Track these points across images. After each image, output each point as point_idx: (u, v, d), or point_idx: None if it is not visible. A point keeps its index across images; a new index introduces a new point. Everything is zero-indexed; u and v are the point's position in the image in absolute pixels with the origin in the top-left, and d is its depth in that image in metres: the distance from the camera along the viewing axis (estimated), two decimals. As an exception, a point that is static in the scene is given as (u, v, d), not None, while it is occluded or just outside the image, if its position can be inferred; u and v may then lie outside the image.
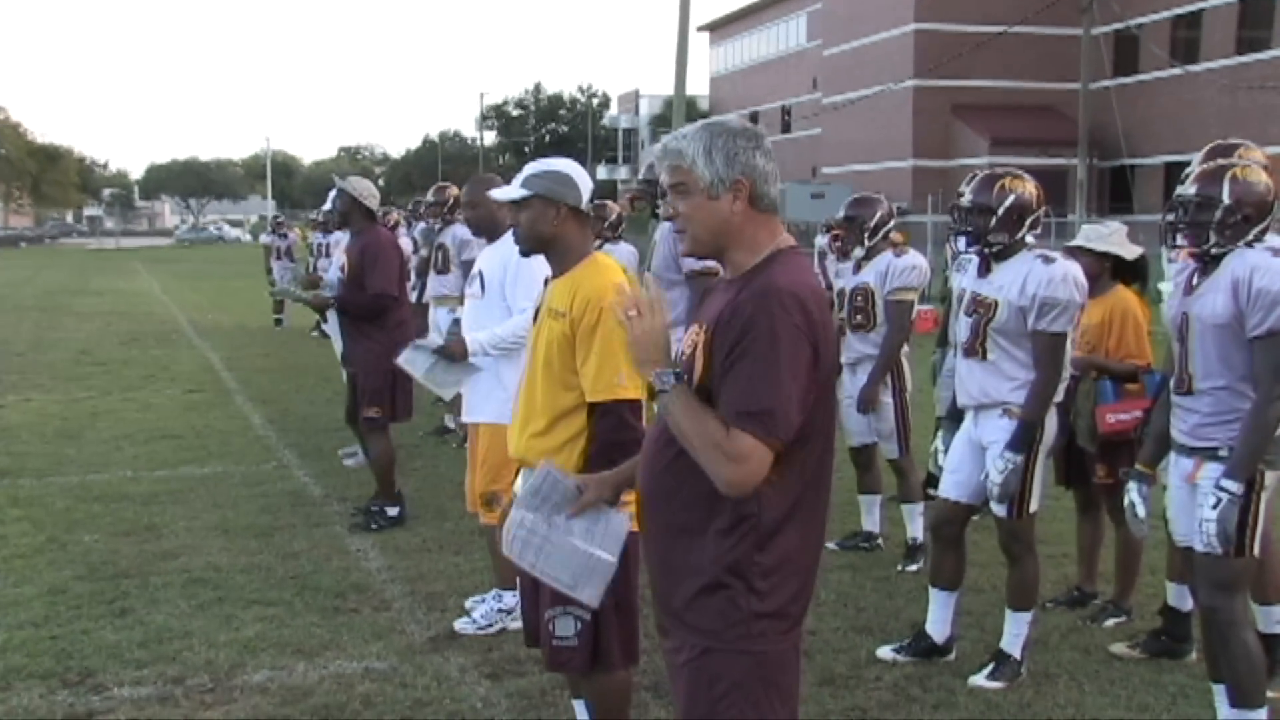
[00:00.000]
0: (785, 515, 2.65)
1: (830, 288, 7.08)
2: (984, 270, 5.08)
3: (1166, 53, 40.53)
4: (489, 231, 5.73)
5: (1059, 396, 5.00)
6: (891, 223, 6.87)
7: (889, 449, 6.89)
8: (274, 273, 21.48)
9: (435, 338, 5.74)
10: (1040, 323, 4.88)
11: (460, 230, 10.45)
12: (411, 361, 5.69)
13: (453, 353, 5.52)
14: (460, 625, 5.68)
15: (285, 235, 21.96)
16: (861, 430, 6.93)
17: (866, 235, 6.76)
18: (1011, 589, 5.16)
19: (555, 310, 3.85)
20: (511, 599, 5.56)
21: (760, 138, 2.79)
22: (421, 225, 13.02)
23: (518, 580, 4.12)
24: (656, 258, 6.63)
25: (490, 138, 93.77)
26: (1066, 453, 5.91)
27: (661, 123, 69.87)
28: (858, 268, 6.86)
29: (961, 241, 5.06)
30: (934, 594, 5.36)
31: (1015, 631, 5.13)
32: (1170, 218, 4.07)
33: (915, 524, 6.89)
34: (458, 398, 6.14)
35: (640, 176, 6.71)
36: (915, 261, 6.75)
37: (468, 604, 5.89)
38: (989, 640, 5.47)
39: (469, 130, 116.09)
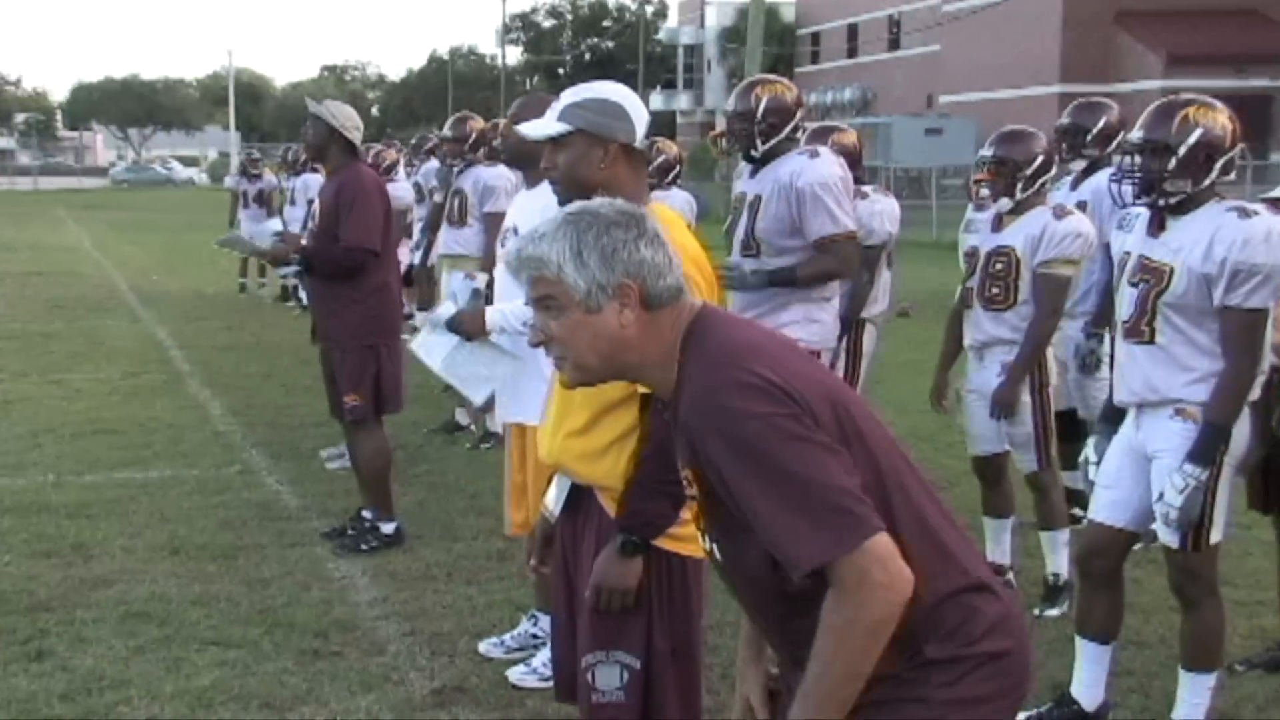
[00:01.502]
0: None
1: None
2: (1156, 227, 5.03)
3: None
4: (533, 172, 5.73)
5: (1255, 394, 4.95)
6: (1054, 169, 6.76)
7: (1025, 460, 6.85)
8: (241, 225, 21.40)
9: (449, 306, 5.73)
10: (1232, 296, 4.82)
11: (485, 174, 10.51)
12: (427, 348, 5.70)
13: (466, 329, 5.54)
14: (486, 647, 5.91)
15: (258, 177, 21.72)
16: (989, 435, 6.89)
17: (1020, 184, 6.62)
18: (1187, 643, 5.12)
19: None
20: (548, 623, 5.61)
21: (642, 220, 2.83)
22: (433, 166, 13.09)
23: (552, 619, 4.15)
24: (763, 218, 6.54)
25: (515, 55, 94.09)
26: (1265, 468, 5.84)
27: (733, 38, 69.78)
28: (998, 223, 6.74)
29: (1128, 191, 5.01)
30: (1082, 647, 5.33)
31: (1193, 699, 5.09)
32: None
33: (1058, 556, 6.86)
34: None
35: (731, 108, 6.65)
36: (1080, 227, 6.59)
37: (483, 647, 5.95)
38: (1156, 710, 5.43)
39: (488, 46, 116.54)
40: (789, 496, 2.56)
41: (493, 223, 10.36)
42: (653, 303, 2.79)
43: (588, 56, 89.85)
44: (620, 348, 2.81)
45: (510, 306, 5.40)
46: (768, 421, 2.57)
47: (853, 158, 7.52)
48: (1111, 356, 7.61)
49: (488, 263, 9.96)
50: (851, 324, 7.67)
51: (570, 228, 2.80)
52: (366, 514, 7.78)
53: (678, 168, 10.30)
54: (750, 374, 2.62)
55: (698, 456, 2.69)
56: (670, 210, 4.06)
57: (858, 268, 7.21)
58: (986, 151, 6.73)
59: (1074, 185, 7.32)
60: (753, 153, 6.57)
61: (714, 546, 2.85)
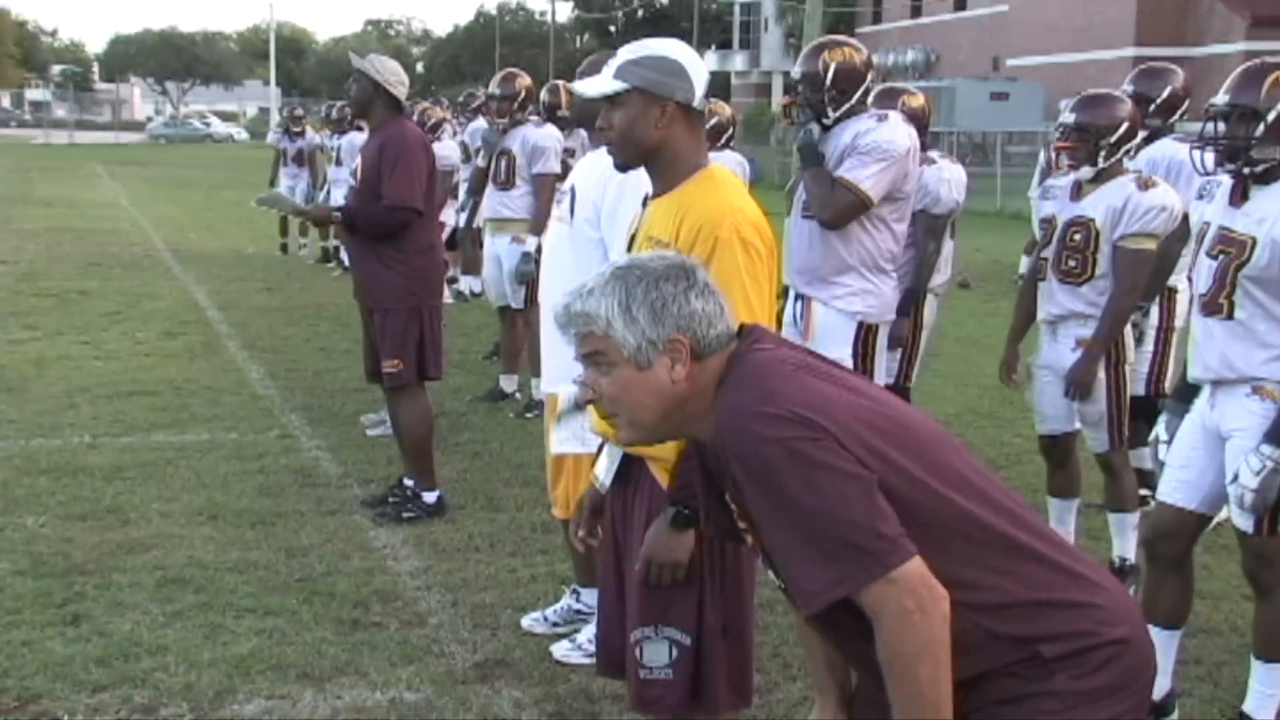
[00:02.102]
0: (976, 579, 2.70)
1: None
2: (1238, 197, 4.97)
3: None
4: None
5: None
6: (1139, 136, 6.64)
7: (1096, 439, 6.79)
8: (280, 184, 21.46)
9: (567, 397, 5.54)
10: (1316, 270, 4.77)
11: (533, 134, 10.52)
12: (581, 439, 5.52)
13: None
14: (529, 622, 5.95)
15: (300, 135, 21.76)
16: (1059, 414, 6.83)
17: (1102, 152, 6.51)
18: (1261, 632, 5.08)
19: (656, 240, 3.85)
20: (592, 599, 5.63)
21: (692, 271, 2.88)
22: (480, 125, 13.09)
23: (600, 592, 4.17)
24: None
25: (565, 12, 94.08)
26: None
27: (792, -6, 69.38)
28: (1078, 191, 6.64)
29: (1209, 159, 4.95)
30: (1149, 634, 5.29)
31: (1266, 690, 5.06)
32: None
33: (1126, 540, 6.83)
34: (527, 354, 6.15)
35: (798, 72, 6.61)
36: (1165, 200, 6.43)
37: (525, 622, 5.98)
38: (1226, 699, 5.41)
39: (537, 2, 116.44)
40: (802, 527, 2.60)
41: (542, 185, 10.39)
42: (704, 353, 2.85)
43: (640, 13, 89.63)
44: (674, 403, 2.86)
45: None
46: (785, 446, 2.61)
47: (921, 122, 7.46)
48: (1161, 331, 7.60)
49: (537, 226, 9.99)
50: (919, 296, 7.62)
51: (619, 283, 2.85)
52: (408, 482, 7.80)
53: (731, 130, 10.25)
54: (769, 396, 2.68)
55: (727, 481, 2.75)
56: (730, 172, 4.06)
57: (927, 238, 7.18)
58: (1067, 117, 6.59)
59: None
60: (824, 121, 6.52)
61: (770, 572, 2.89)
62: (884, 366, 6.77)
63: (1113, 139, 6.47)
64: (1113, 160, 6.49)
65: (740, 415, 2.69)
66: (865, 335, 6.55)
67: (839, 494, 2.59)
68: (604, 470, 4.02)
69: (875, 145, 6.35)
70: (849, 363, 6.38)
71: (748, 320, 3.69)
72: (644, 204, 4.12)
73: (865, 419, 2.69)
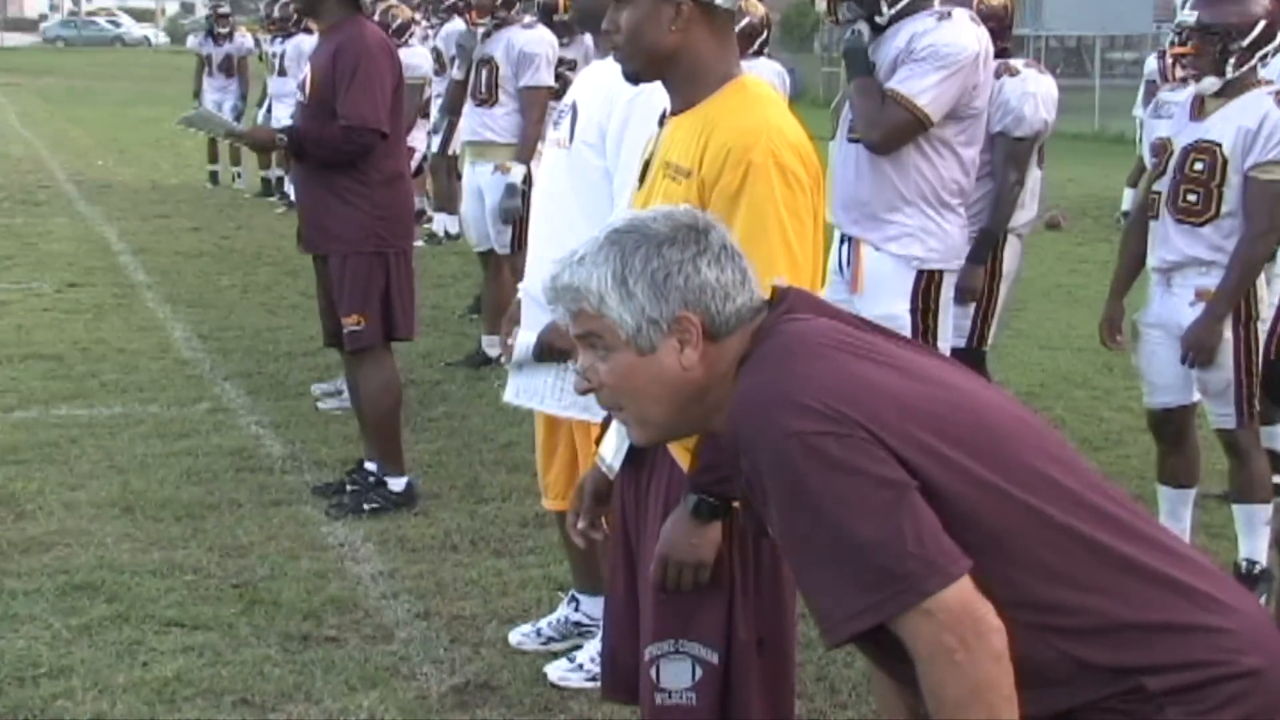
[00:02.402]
0: (1062, 599, 2.70)
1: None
2: None
3: None
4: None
5: None
6: (1278, 38, 6.53)
7: (1220, 415, 6.79)
8: (202, 97, 21.54)
9: (524, 337, 5.61)
10: None
11: (521, 38, 10.51)
12: (529, 394, 5.56)
13: (562, 344, 5.33)
14: (518, 637, 5.97)
15: (226, 38, 21.84)
16: (1173, 383, 6.81)
17: (1232, 59, 6.44)
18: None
19: (674, 166, 3.86)
20: (594, 609, 5.66)
21: (705, 232, 2.88)
22: (456, 28, 13.06)
23: (606, 600, 4.18)
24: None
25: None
26: None
27: None
28: (1199, 109, 6.60)
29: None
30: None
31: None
32: None
33: (1256, 538, 6.82)
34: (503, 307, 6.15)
35: None
36: None
37: (513, 637, 6.02)
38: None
39: None
40: (821, 542, 2.62)
41: (531, 100, 10.38)
42: (720, 332, 2.86)
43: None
44: (688, 393, 2.87)
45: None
46: (804, 442, 2.61)
47: (1000, 23, 7.45)
48: None
49: (525, 151, 9.99)
50: (997, 238, 7.59)
51: (614, 249, 2.86)
52: (370, 466, 7.83)
53: (765, 34, 10.21)
54: (792, 379, 2.69)
55: (740, 482, 2.77)
56: (766, 84, 4.06)
57: (1008, 166, 7.15)
58: (1187, 15, 6.55)
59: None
60: (877, 18, 6.49)
61: None
62: (950, 325, 6.72)
63: (1245, 42, 6.38)
64: (1244, 69, 6.42)
65: (754, 403, 2.70)
66: (926, 286, 6.51)
67: (865, 504, 2.59)
68: (611, 449, 4.03)
69: (934, 50, 6.32)
70: (906, 320, 6.37)
71: (788, 268, 3.71)
72: (660, 122, 4.13)
73: (917, 407, 2.70)
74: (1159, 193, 6.63)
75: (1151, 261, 6.74)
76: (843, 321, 2.93)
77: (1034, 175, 7.93)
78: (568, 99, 5.54)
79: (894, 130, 6.36)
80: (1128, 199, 19.62)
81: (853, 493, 2.58)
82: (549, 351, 5.37)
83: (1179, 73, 6.82)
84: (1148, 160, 6.84)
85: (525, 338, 5.55)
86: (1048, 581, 2.68)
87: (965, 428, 2.71)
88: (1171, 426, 6.98)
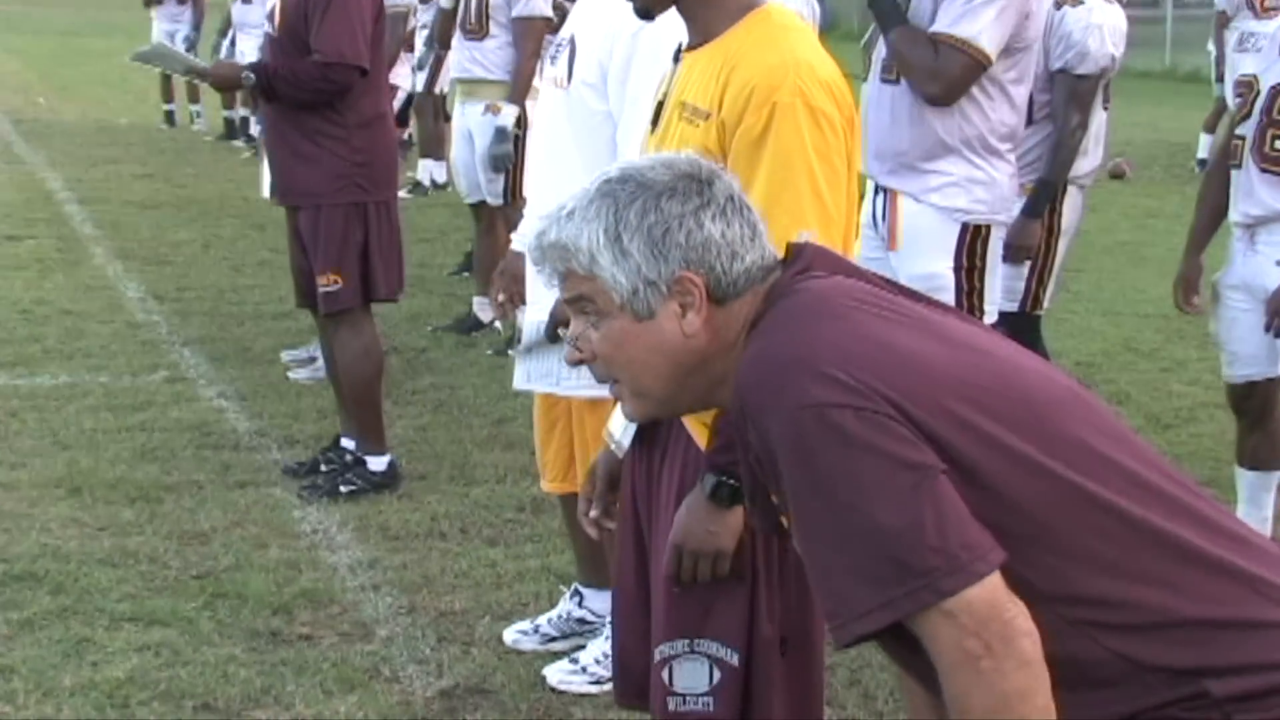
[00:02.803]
0: (1113, 592, 2.69)
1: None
2: None
3: None
4: None
5: None
6: None
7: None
8: (154, 28, 21.49)
9: (531, 320, 5.65)
10: None
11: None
12: (540, 375, 5.62)
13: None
14: (514, 635, 5.99)
15: None
16: (1255, 351, 6.82)
17: None
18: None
19: (691, 107, 3.87)
20: (600, 604, 5.70)
21: (709, 181, 2.87)
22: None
23: (615, 594, 4.20)
24: (911, 17, 6.49)
25: None
26: None
27: None
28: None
29: None
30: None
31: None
32: None
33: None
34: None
35: None
36: None
37: (509, 636, 6.04)
38: None
39: None
40: (832, 528, 2.60)
41: (526, 32, 10.36)
42: (726, 295, 2.85)
43: None
44: (690, 363, 2.87)
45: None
46: (818, 415, 2.59)
47: (1058, -54, 7.44)
48: None
49: (518, 91, 10.00)
50: (1056, 189, 7.58)
51: (606, 203, 2.84)
52: (347, 444, 7.87)
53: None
54: (808, 344, 2.68)
55: (751, 456, 2.75)
56: (793, 14, 4.06)
57: (1070, 108, 7.13)
58: None
59: None
60: None
61: None
62: (999, 287, 6.70)
63: None
64: None
65: (765, 368, 2.68)
66: (972, 241, 6.49)
67: (883, 488, 2.56)
68: (620, 425, 4.03)
69: None
70: (948, 279, 6.37)
71: (818, 219, 3.72)
72: (675, 59, 4.13)
73: (950, 376, 2.68)
74: (1243, 138, 6.61)
75: (1233, 215, 6.73)
76: (867, 280, 2.91)
77: (1098, 118, 7.91)
78: (565, 32, 5.54)
79: (957, 79, 6.32)
80: (1204, 146, 19.59)
81: (869, 475, 2.56)
82: (563, 328, 5.36)
83: (1269, 1, 6.78)
84: (1230, 100, 6.81)
85: (534, 317, 5.55)
86: (1096, 572, 2.65)
87: (1004, 399, 2.69)
88: (1253, 402, 6.98)
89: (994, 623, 2.53)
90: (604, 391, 5.02)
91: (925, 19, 6.29)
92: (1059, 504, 2.65)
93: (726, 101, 3.79)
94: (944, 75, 6.26)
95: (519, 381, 5.74)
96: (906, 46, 6.32)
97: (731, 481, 3.59)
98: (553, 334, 5.41)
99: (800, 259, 2.91)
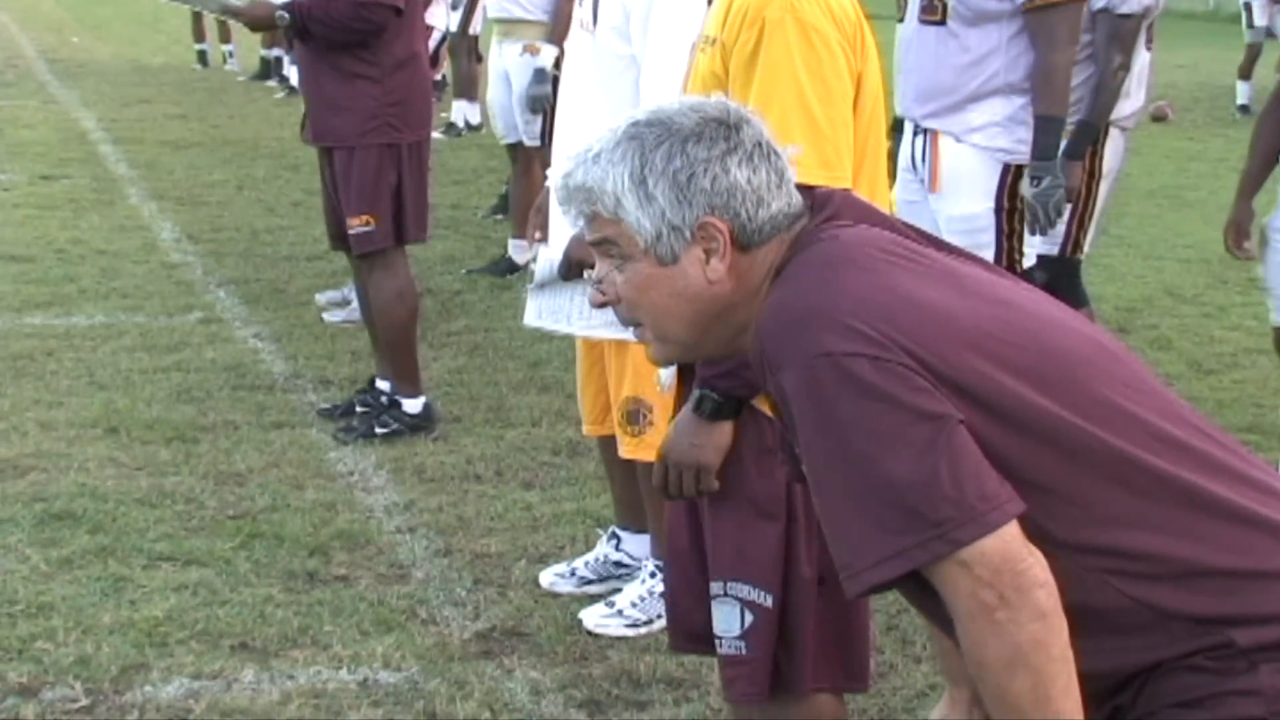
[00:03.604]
0: (1133, 543, 2.69)
1: None
2: None
3: None
4: None
5: None
6: None
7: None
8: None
9: (544, 257, 5.67)
10: None
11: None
12: (553, 313, 5.63)
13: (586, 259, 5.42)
14: (551, 578, 6.02)
15: None
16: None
17: None
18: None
19: (706, 37, 3.93)
20: (637, 547, 5.80)
21: (737, 126, 2.85)
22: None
23: (669, 534, 4.19)
24: None
25: None
26: None
27: None
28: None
29: None
30: None
31: None
32: None
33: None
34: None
35: None
36: None
37: (545, 579, 6.06)
38: None
39: None
40: (849, 477, 2.61)
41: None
42: (752, 241, 2.84)
43: None
44: (714, 309, 2.87)
45: None
46: (836, 365, 2.59)
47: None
48: None
49: (557, 31, 9.95)
50: (1097, 131, 7.55)
51: (633, 146, 2.84)
52: (382, 385, 7.88)
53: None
54: (829, 293, 2.68)
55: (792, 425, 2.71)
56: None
57: (1112, 48, 7.10)
58: None
59: None
60: None
61: None
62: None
63: None
64: None
65: (785, 317, 2.69)
66: (1014, 182, 6.49)
67: (899, 438, 2.57)
68: (667, 372, 4.05)
69: None
70: (989, 221, 6.37)
71: (807, 136, 3.73)
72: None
73: (973, 328, 2.68)
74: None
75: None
76: (894, 229, 2.91)
77: (1141, 59, 7.86)
78: None
79: (1075, 32, 6.38)
80: (1242, 92, 19.52)
81: (885, 425, 2.57)
82: (576, 267, 5.37)
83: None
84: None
85: (548, 255, 5.58)
86: (1117, 523, 2.67)
87: (1027, 351, 2.69)
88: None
89: (1008, 574, 2.54)
90: (615, 331, 5.07)
91: None
92: (1078, 456, 2.66)
93: (728, 24, 3.87)
94: (1058, 43, 6.30)
95: (529, 318, 5.76)
96: (1049, 83, 6.36)
97: (716, 396, 3.63)
98: (566, 272, 5.43)
99: (828, 206, 2.91)
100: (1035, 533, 2.59)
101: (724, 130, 2.85)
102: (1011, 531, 2.56)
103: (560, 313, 5.58)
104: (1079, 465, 2.66)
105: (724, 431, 3.69)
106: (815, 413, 2.61)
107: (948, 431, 2.57)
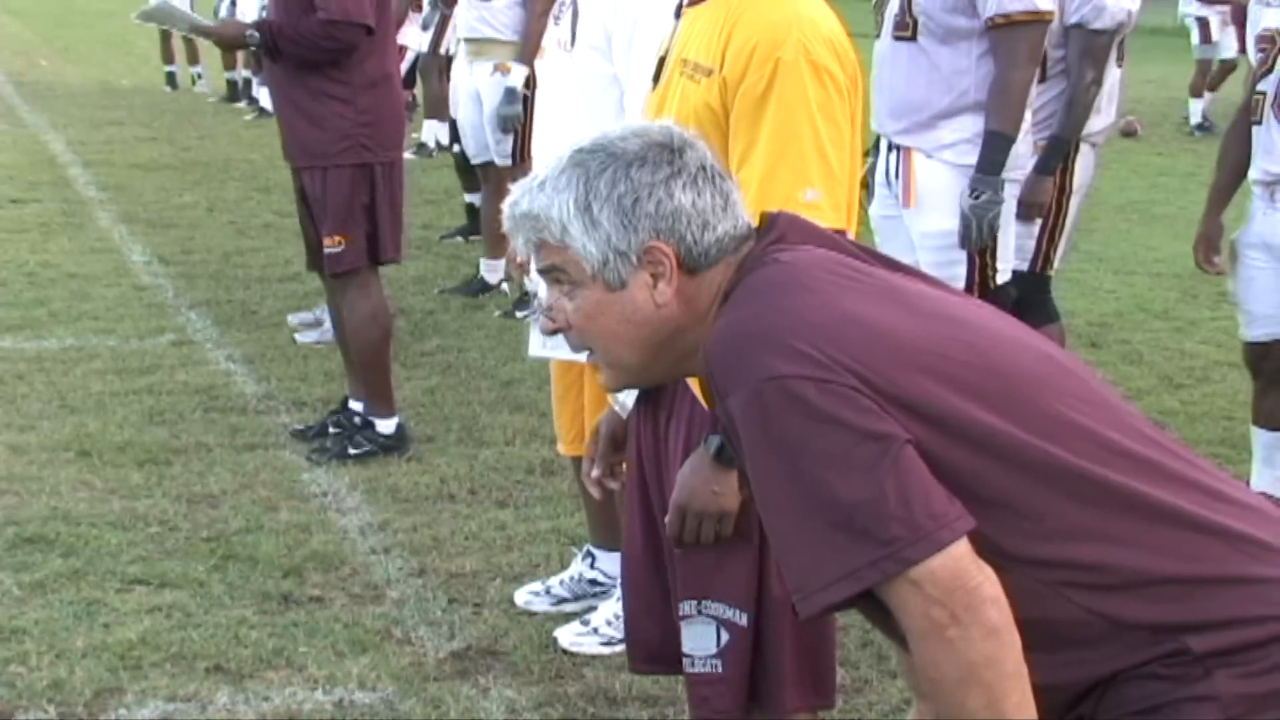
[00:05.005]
0: (1087, 555, 2.70)
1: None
2: None
3: None
4: None
5: None
6: None
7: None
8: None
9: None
10: None
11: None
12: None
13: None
14: (525, 597, 6.03)
15: None
16: (1273, 311, 6.80)
17: None
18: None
19: (693, 64, 3.88)
20: (612, 566, 5.73)
21: (681, 150, 2.86)
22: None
23: (623, 557, 4.21)
24: None
25: None
26: None
27: None
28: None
29: None
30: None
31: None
32: None
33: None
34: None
35: None
36: None
37: (520, 598, 6.07)
38: None
39: None
40: (796, 500, 2.62)
41: (541, -1, 10.34)
42: (699, 265, 2.85)
43: None
44: (663, 333, 2.88)
45: None
46: (783, 387, 2.60)
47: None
48: None
49: (527, 50, 9.96)
50: (1069, 146, 7.55)
51: (577, 172, 2.85)
52: (356, 406, 7.88)
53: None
54: (776, 315, 2.69)
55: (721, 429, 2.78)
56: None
57: (1084, 64, 7.11)
58: None
59: None
60: None
61: None
62: (1011, 245, 6.71)
63: None
64: None
65: (731, 340, 2.70)
66: None
67: (846, 459, 2.58)
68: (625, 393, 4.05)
69: None
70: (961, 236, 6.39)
71: (822, 178, 3.74)
72: (677, 14, 4.14)
73: (920, 348, 2.69)
74: (1263, 93, 6.60)
75: (1253, 173, 6.72)
76: (841, 250, 2.92)
77: (1113, 75, 7.85)
78: None
79: (1022, 55, 6.38)
80: (1195, 110, 19.55)
81: (832, 447, 2.58)
82: None
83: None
84: (1252, 55, 6.78)
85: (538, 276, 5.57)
86: (1068, 536, 2.68)
87: (974, 368, 2.70)
88: (1271, 362, 6.97)
89: (959, 591, 2.55)
90: None
91: (952, 6, 6.31)
92: (1028, 472, 2.67)
93: (729, 58, 3.81)
94: (1018, 61, 6.33)
95: (534, 349, 5.74)
96: (1004, 100, 6.38)
97: None
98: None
99: (774, 229, 2.91)
100: (987, 548, 2.60)
101: (668, 154, 2.86)
102: (961, 549, 2.57)
103: (564, 341, 5.56)
104: (1029, 479, 2.67)
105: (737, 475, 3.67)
106: (763, 436, 2.62)
107: (894, 451, 2.58)
